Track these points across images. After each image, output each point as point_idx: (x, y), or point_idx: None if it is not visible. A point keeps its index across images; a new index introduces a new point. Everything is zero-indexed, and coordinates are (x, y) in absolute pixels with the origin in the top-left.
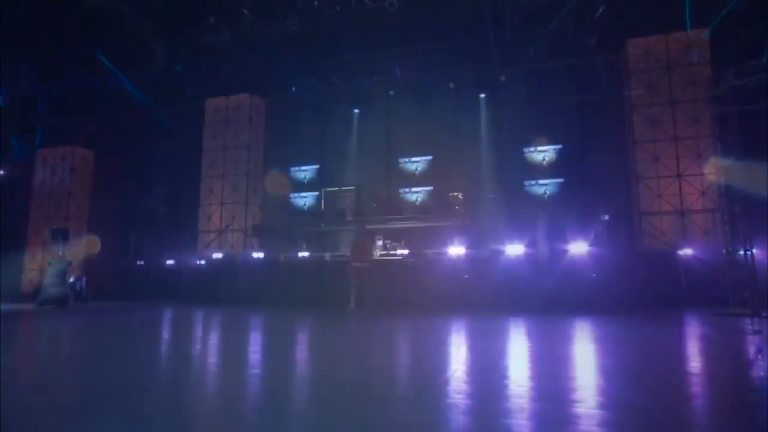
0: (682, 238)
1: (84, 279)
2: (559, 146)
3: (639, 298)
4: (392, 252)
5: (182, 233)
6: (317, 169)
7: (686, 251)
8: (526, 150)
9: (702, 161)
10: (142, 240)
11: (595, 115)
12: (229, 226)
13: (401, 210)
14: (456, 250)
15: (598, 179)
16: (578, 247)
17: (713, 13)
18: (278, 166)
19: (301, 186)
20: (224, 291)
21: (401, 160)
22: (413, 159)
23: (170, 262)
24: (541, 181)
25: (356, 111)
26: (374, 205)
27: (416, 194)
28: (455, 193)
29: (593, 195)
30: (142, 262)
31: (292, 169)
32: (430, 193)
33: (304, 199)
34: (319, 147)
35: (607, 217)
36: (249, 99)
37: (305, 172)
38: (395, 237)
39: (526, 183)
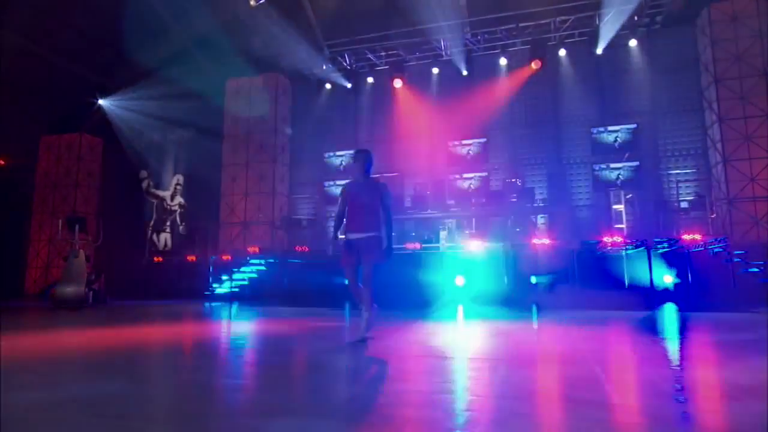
0: None
1: (103, 277)
2: (633, 125)
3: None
4: (460, 243)
5: (203, 227)
6: (353, 154)
7: None
8: (594, 130)
9: None
10: (157, 234)
11: (670, 91)
12: (261, 216)
13: (468, 195)
14: (540, 240)
15: (674, 161)
16: (691, 238)
17: None
18: (309, 151)
19: (336, 173)
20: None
21: (451, 144)
22: (465, 142)
23: (192, 258)
24: (612, 165)
25: (397, 90)
26: (428, 192)
27: (469, 181)
28: (514, 179)
29: (670, 179)
30: (161, 259)
31: (326, 154)
32: (484, 179)
33: (341, 188)
34: (355, 130)
35: (686, 205)
36: (275, 78)
37: (341, 157)
38: (461, 226)
39: (596, 167)
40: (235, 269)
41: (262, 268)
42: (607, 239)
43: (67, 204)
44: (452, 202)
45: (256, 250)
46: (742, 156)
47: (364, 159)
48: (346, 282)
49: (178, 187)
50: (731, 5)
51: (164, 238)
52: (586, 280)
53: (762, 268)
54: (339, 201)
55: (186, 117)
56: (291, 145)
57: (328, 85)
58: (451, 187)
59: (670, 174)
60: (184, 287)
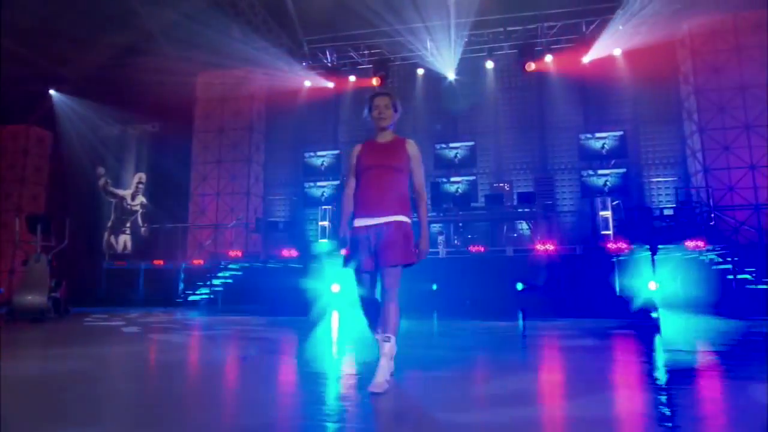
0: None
1: (64, 284)
2: (620, 132)
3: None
4: (462, 248)
5: (168, 229)
6: (337, 154)
7: None
8: (582, 136)
9: None
10: (115, 236)
11: (651, 100)
12: (240, 218)
13: (457, 199)
14: (545, 246)
15: (655, 169)
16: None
17: None
18: (286, 151)
19: (317, 174)
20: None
21: (437, 146)
22: (452, 145)
23: (159, 262)
24: (600, 171)
25: (379, 88)
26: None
27: (456, 185)
28: (502, 184)
29: (651, 187)
30: (124, 263)
31: (306, 154)
32: (472, 183)
33: (322, 189)
34: (336, 130)
35: (671, 212)
36: (250, 74)
37: (322, 158)
38: (458, 231)
39: (584, 173)
40: (212, 275)
41: (239, 273)
42: (611, 245)
43: (10, 201)
44: (450, 205)
45: (239, 254)
46: (721, 165)
47: (386, 105)
48: (359, 293)
49: (140, 186)
50: (709, 20)
51: (123, 240)
52: (591, 286)
53: (754, 274)
54: (347, 172)
55: (150, 111)
56: (266, 144)
57: (307, 83)
58: (438, 190)
59: (652, 182)
60: (148, 294)
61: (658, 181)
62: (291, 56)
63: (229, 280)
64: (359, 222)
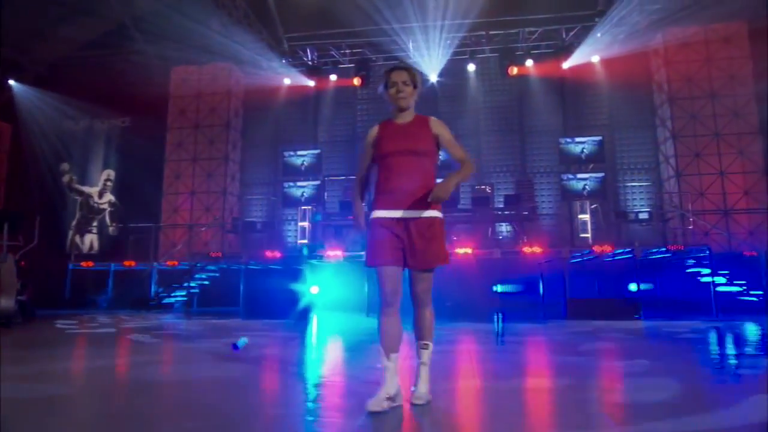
0: (726, 238)
1: (29, 287)
2: (599, 137)
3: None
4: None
5: (139, 228)
6: (317, 154)
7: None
8: (562, 141)
9: (744, 159)
10: (81, 235)
11: (626, 107)
12: (216, 218)
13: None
14: (532, 249)
15: (630, 174)
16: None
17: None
18: (264, 149)
19: (297, 173)
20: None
21: None
22: None
23: (130, 263)
24: (579, 175)
25: (361, 89)
26: None
27: None
28: (483, 186)
29: (626, 191)
30: (92, 264)
31: (286, 153)
32: None
33: (302, 189)
34: (316, 129)
35: (647, 216)
36: (228, 69)
37: (303, 157)
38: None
39: (564, 177)
40: (189, 276)
41: (216, 274)
42: (597, 248)
43: None
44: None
45: (220, 255)
46: (692, 171)
47: (405, 82)
48: (385, 299)
49: (108, 184)
50: (682, 31)
51: (90, 239)
52: (575, 289)
53: (728, 277)
54: (361, 156)
55: (120, 104)
56: (243, 142)
57: (287, 80)
58: None
59: (627, 186)
60: (118, 296)
61: (633, 186)
62: (271, 53)
63: (206, 282)
64: (380, 213)
